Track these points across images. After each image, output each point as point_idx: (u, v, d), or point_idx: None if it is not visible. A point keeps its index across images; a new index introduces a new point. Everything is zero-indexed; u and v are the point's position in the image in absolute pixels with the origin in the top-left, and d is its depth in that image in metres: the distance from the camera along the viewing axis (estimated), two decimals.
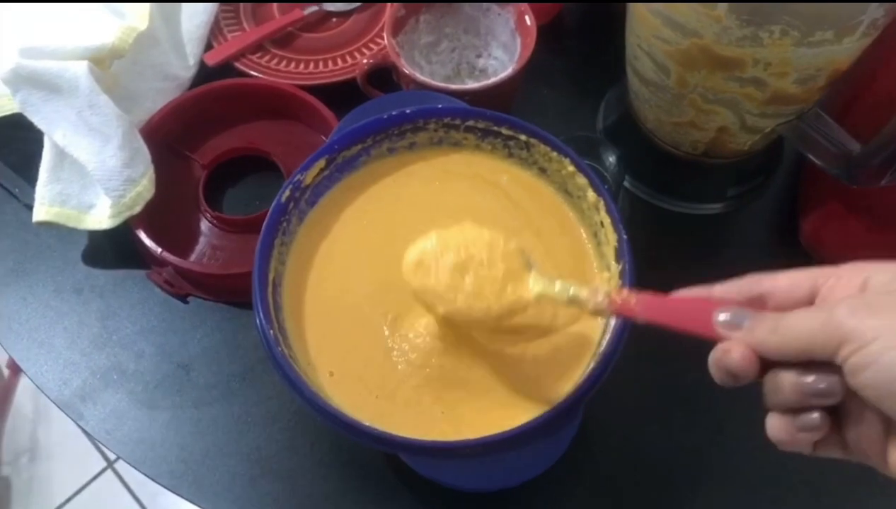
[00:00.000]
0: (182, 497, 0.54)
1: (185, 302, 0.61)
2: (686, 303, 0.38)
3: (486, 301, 0.44)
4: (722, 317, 0.34)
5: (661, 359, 0.58)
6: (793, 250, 0.63)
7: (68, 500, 1.36)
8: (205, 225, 0.63)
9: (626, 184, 0.66)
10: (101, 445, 1.40)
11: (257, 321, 0.47)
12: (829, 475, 0.55)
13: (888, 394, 0.28)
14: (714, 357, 0.34)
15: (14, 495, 1.37)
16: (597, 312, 0.42)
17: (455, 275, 0.45)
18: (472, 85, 0.61)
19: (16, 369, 1.46)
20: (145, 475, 0.55)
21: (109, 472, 1.39)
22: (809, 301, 0.33)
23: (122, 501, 1.35)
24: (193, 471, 0.55)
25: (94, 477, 1.38)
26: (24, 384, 1.45)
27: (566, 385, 0.47)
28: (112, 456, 1.40)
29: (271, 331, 0.47)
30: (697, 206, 0.64)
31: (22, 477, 1.38)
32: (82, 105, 0.58)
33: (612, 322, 0.48)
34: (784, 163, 0.67)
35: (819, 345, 0.30)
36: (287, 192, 0.51)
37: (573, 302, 0.43)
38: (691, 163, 0.62)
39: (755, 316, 0.33)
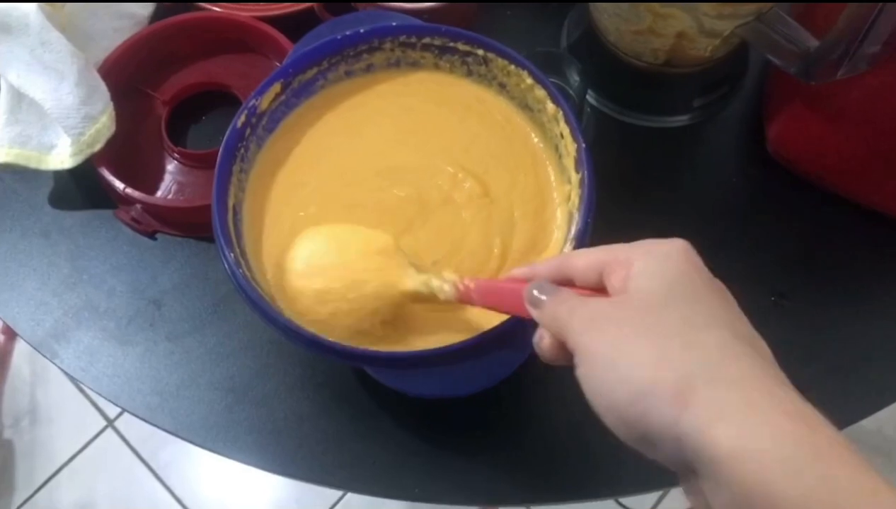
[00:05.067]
0: (158, 427, 0.54)
1: (154, 238, 0.61)
2: (510, 286, 0.38)
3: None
4: (526, 293, 0.36)
5: None
6: (761, 158, 0.62)
7: (71, 459, 1.38)
8: (169, 161, 0.62)
9: (591, 101, 0.65)
10: (100, 404, 1.42)
11: (218, 245, 0.47)
12: None
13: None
14: (534, 341, 0.36)
15: (17, 458, 1.38)
16: (448, 301, 0.43)
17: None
18: (429, 3, 0.60)
19: (11, 333, 1.47)
20: (122, 408, 0.55)
21: (110, 431, 1.40)
22: (601, 283, 0.35)
23: (123, 458, 1.37)
24: (169, 403, 0.55)
25: (95, 437, 1.39)
26: (20, 347, 1.46)
27: None
28: (112, 415, 1.41)
29: (231, 255, 0.47)
30: (664, 119, 0.64)
31: (24, 439, 1.40)
32: (34, 43, 0.57)
33: (573, 232, 0.47)
34: (750, 71, 0.66)
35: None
36: (242, 118, 0.51)
37: (431, 292, 0.43)
38: (655, 75, 0.62)
39: (557, 293, 0.35)
